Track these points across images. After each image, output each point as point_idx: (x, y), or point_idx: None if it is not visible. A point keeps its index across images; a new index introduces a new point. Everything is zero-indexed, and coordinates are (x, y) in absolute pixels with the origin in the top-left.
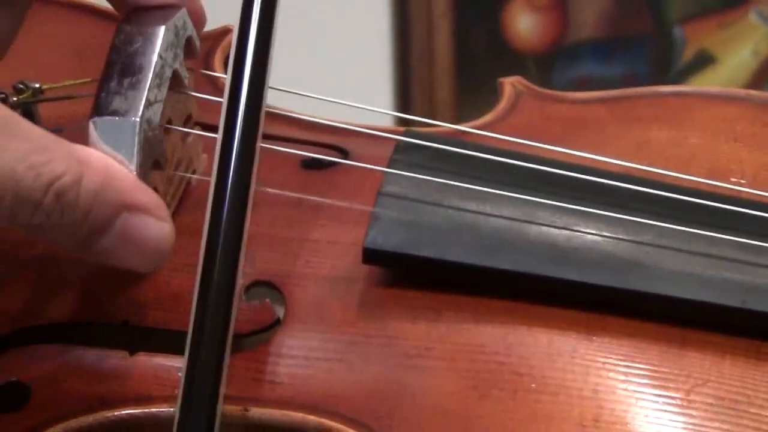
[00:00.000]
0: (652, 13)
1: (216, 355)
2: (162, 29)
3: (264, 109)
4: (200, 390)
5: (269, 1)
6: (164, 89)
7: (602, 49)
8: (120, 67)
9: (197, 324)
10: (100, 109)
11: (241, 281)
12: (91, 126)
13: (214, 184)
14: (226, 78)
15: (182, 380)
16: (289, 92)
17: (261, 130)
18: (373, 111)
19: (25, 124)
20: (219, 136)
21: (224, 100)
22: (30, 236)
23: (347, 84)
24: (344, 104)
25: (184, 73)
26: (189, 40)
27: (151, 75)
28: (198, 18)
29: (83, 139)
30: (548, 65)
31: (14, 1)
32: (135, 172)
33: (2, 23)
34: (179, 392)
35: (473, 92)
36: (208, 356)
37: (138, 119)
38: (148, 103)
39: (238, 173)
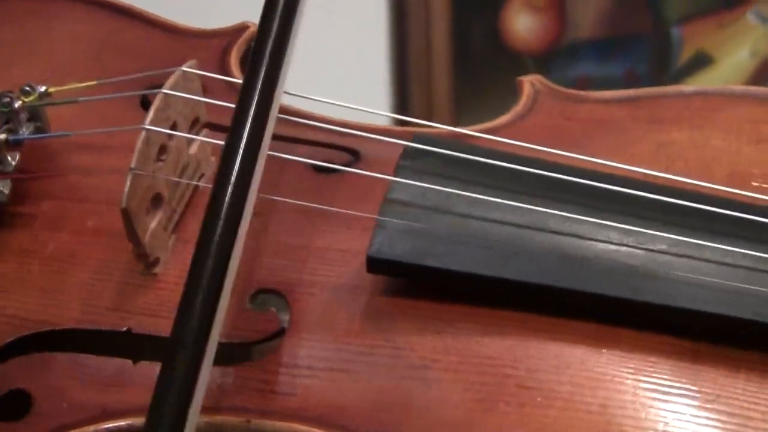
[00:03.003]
0: (651, 13)
1: (189, 367)
2: None
3: (273, 117)
4: (172, 400)
5: (291, 6)
6: None
7: (600, 49)
8: None
9: (175, 333)
10: None
11: (229, 292)
12: None
13: (212, 190)
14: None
15: (155, 389)
16: (290, 94)
17: (268, 138)
18: (378, 114)
19: None
20: (225, 142)
21: (235, 106)
22: None
23: (345, 83)
24: (347, 107)
25: None
26: None
27: None
28: None
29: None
30: (546, 65)
31: None
32: None
33: None
34: (150, 402)
35: (471, 92)
36: (182, 367)
37: None
38: None
39: (238, 181)
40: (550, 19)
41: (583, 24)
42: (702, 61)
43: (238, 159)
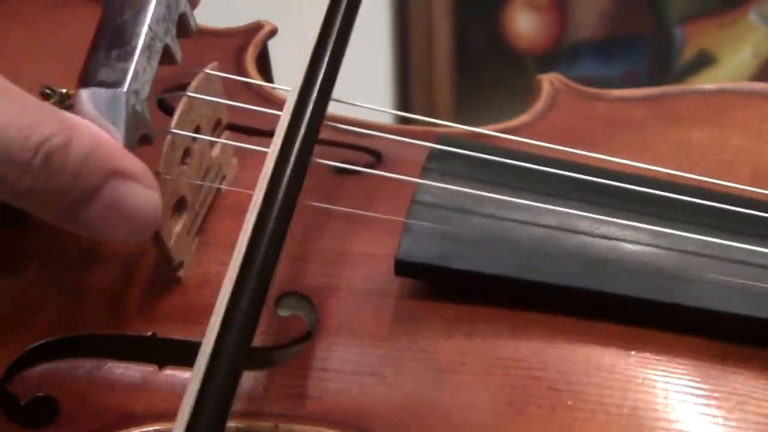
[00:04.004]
0: (652, 13)
1: (232, 372)
2: (153, 1)
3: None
4: (212, 405)
5: (348, 21)
6: (154, 63)
7: (602, 49)
8: (109, 37)
9: (220, 336)
10: (87, 79)
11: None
12: (79, 95)
13: (260, 202)
14: (289, 94)
15: (193, 392)
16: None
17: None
18: (392, 113)
19: (14, 88)
20: (274, 150)
21: (284, 118)
22: (17, 204)
23: (347, 84)
24: (363, 107)
25: (176, 49)
26: (182, 17)
27: (140, 47)
28: None
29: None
30: (548, 65)
31: None
32: (122, 143)
33: None
34: (186, 403)
35: (473, 92)
36: (226, 372)
37: (125, 91)
38: (136, 76)
39: (288, 193)
40: (551, 19)
41: (584, 24)
42: (704, 61)
43: (288, 174)
